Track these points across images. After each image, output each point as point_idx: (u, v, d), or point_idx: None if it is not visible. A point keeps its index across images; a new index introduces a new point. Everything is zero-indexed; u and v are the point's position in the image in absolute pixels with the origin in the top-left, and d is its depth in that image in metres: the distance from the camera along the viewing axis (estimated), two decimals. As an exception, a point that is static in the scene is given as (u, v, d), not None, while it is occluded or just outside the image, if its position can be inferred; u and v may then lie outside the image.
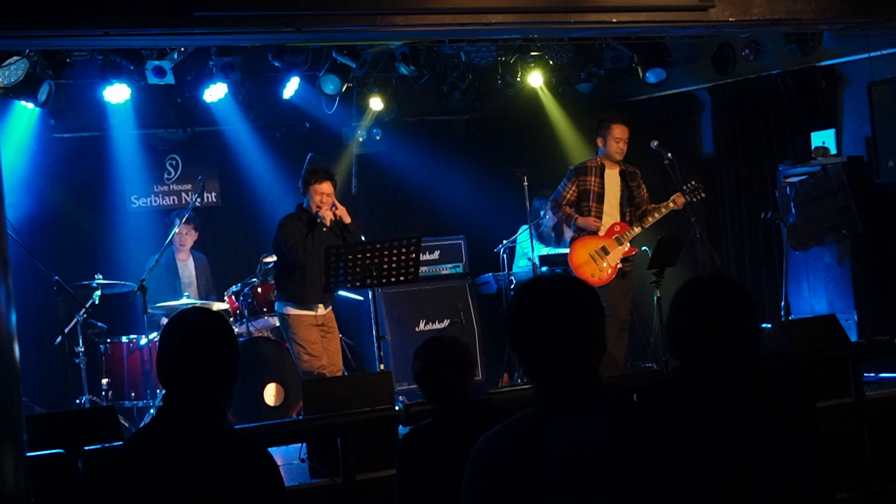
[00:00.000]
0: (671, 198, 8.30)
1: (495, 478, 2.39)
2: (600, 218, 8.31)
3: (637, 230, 8.30)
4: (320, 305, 7.53)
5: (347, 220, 7.52)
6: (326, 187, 7.50)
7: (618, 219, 8.33)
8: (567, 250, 9.55)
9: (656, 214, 8.31)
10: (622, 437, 2.38)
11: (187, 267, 8.96)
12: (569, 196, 8.32)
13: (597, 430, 2.38)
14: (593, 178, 8.30)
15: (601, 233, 8.28)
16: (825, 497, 2.96)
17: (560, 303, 2.46)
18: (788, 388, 3.00)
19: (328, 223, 7.42)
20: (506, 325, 2.52)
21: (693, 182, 8.41)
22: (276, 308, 7.70)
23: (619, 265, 8.27)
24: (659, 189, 8.91)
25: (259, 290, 8.50)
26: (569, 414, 2.41)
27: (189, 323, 3.01)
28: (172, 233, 8.37)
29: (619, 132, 8.29)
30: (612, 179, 8.32)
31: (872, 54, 8.27)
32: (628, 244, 8.29)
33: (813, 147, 8.99)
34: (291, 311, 7.48)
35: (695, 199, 8.34)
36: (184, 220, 8.54)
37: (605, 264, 8.22)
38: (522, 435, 2.42)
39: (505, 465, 2.39)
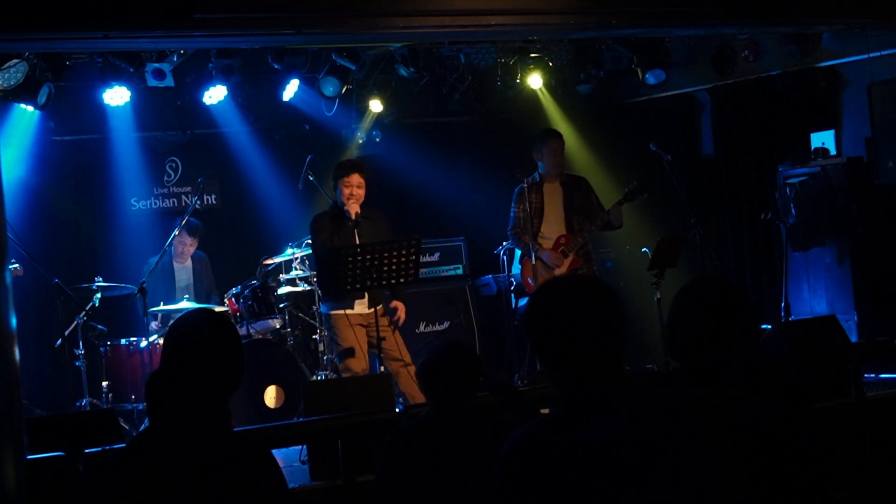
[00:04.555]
0: (606, 213, 8.15)
1: (526, 477, 2.40)
2: (538, 233, 8.25)
3: (581, 240, 8.23)
4: (358, 303, 7.39)
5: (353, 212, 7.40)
6: (354, 179, 7.44)
7: (563, 231, 8.28)
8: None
9: (593, 228, 8.21)
10: (650, 434, 2.39)
11: (185, 269, 8.95)
12: (521, 216, 8.29)
13: (625, 428, 2.39)
14: (534, 196, 8.29)
15: (548, 247, 8.25)
16: (824, 498, 2.96)
17: (583, 301, 2.48)
18: (786, 390, 3.00)
19: (353, 216, 7.38)
20: (527, 326, 2.53)
21: (635, 182, 8.31)
22: (321, 310, 7.63)
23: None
24: (659, 190, 8.92)
25: (259, 292, 8.49)
26: (597, 412, 2.43)
27: (194, 324, 3.01)
28: (172, 237, 8.36)
29: (552, 147, 8.27)
30: (552, 193, 8.30)
31: (872, 55, 8.28)
32: (573, 255, 8.22)
33: (813, 148, 9.00)
34: (333, 310, 7.37)
35: (636, 200, 8.26)
36: (183, 224, 8.48)
37: (548, 276, 8.14)
38: (552, 434, 2.43)
39: (536, 465, 2.40)
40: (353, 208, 7.37)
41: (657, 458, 2.38)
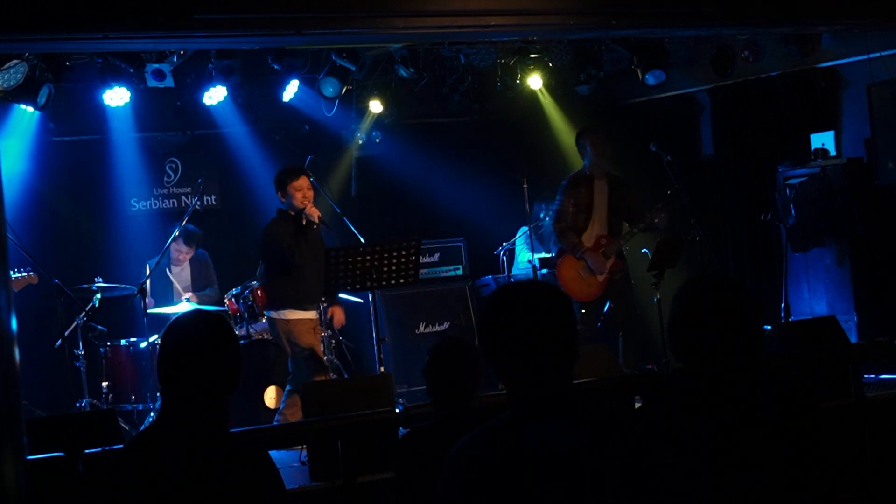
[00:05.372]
0: (652, 216, 8.17)
1: (469, 484, 2.39)
2: (586, 229, 8.24)
3: (622, 242, 8.24)
4: (314, 309, 7.48)
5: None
6: (304, 182, 7.43)
7: (605, 231, 8.28)
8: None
9: (634, 231, 8.23)
10: (591, 440, 2.40)
11: (183, 271, 8.95)
12: (570, 210, 8.22)
13: (567, 434, 2.39)
14: (584, 190, 8.25)
15: (589, 245, 8.24)
16: (828, 500, 2.96)
17: (530, 306, 2.49)
18: (790, 390, 3.00)
19: (316, 220, 7.38)
20: (478, 331, 2.54)
21: (676, 186, 8.32)
22: (268, 315, 7.59)
23: (607, 277, 8.21)
24: (659, 191, 8.90)
25: (259, 292, 8.47)
26: (540, 418, 2.43)
27: (191, 325, 3.01)
28: (171, 239, 8.36)
29: (593, 141, 8.26)
30: (600, 190, 8.28)
31: (871, 56, 8.28)
32: (614, 257, 8.22)
33: (812, 148, 9.00)
34: (291, 314, 7.40)
35: (676, 207, 8.26)
36: (181, 231, 8.47)
37: (591, 280, 8.15)
38: (495, 440, 2.43)
39: (478, 471, 2.39)
40: (314, 211, 7.36)
41: (603, 465, 2.38)
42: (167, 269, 8.79)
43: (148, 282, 8.23)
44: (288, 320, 7.40)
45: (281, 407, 7.57)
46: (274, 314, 7.49)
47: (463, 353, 3.94)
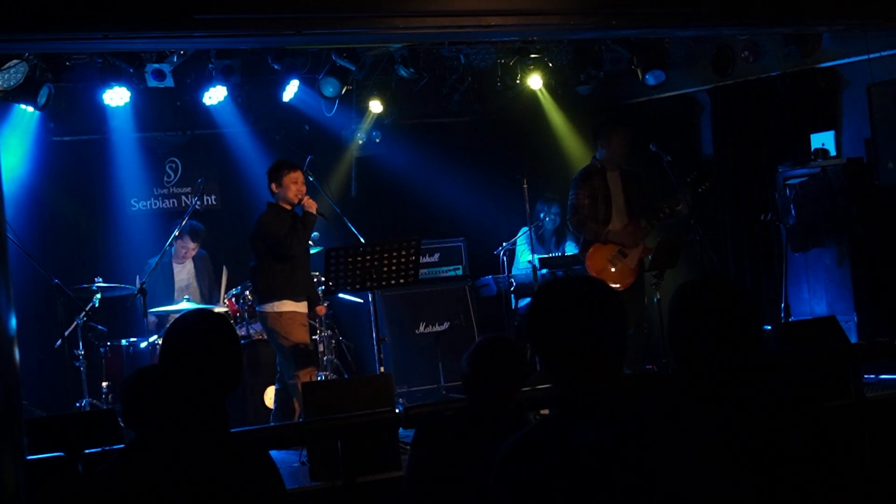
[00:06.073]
0: (675, 199, 8.23)
1: (521, 479, 2.41)
2: (609, 221, 8.23)
3: (649, 228, 8.23)
4: (305, 301, 7.47)
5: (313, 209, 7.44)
6: (300, 176, 7.44)
7: (626, 220, 8.27)
8: (568, 253, 9.57)
9: (661, 216, 8.24)
10: (645, 437, 2.40)
11: (185, 269, 8.96)
12: (586, 203, 8.18)
13: (620, 431, 2.39)
14: (598, 182, 8.24)
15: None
16: (828, 500, 2.95)
17: (584, 302, 2.48)
18: (791, 391, 2.99)
19: (314, 211, 7.36)
20: (528, 326, 2.53)
21: (695, 172, 8.37)
22: (259, 309, 7.44)
23: (637, 267, 8.20)
24: (658, 192, 8.92)
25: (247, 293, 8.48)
26: (590, 415, 2.43)
27: (192, 325, 3.01)
28: (172, 238, 8.36)
29: (622, 135, 8.26)
30: (615, 181, 8.28)
31: (871, 56, 8.28)
32: (643, 244, 8.22)
33: (813, 149, 9.00)
34: (286, 306, 7.30)
35: (700, 190, 8.30)
36: (186, 227, 8.49)
37: (624, 268, 8.15)
38: (546, 438, 2.44)
39: (531, 467, 2.41)
40: (311, 203, 7.36)
41: (651, 462, 2.39)
42: (172, 267, 8.81)
43: (147, 280, 8.25)
44: (281, 313, 7.31)
45: (273, 408, 7.56)
46: (267, 307, 7.36)
47: (510, 352, 3.92)
